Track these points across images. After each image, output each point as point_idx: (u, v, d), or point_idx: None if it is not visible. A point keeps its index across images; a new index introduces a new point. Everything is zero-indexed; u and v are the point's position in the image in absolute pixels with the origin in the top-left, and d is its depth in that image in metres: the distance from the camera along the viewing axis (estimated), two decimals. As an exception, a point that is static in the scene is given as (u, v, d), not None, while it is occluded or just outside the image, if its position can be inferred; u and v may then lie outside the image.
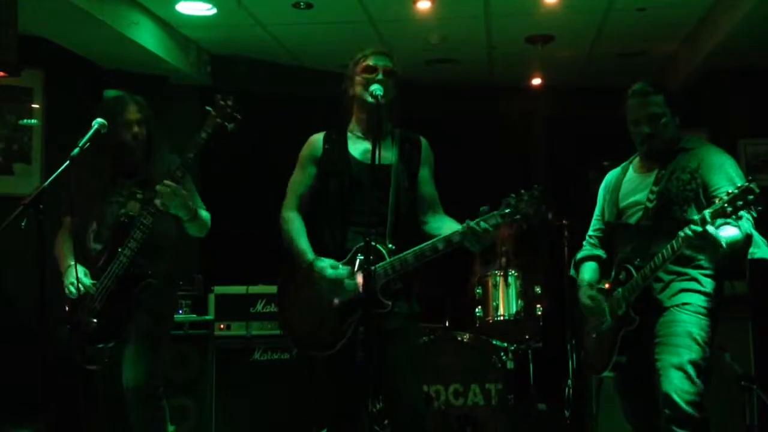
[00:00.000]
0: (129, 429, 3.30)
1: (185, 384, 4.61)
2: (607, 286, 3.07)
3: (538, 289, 4.73)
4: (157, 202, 3.10)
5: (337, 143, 2.95)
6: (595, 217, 3.22)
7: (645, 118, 2.90)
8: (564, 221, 4.78)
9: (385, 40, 5.18)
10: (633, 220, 2.99)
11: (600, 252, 3.15)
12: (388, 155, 2.89)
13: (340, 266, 2.77)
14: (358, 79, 2.92)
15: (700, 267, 2.85)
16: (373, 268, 2.68)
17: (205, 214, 3.36)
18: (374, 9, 4.68)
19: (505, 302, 4.66)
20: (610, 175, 3.18)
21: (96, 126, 3.05)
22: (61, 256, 3.30)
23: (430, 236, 2.85)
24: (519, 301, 4.64)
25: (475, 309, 4.75)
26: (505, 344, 4.62)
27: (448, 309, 4.96)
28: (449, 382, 4.35)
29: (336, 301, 2.77)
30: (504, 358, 4.57)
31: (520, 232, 3.02)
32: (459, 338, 4.50)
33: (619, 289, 2.94)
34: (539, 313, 4.70)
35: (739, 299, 3.99)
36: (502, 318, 4.63)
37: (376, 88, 2.82)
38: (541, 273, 4.89)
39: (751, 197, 2.46)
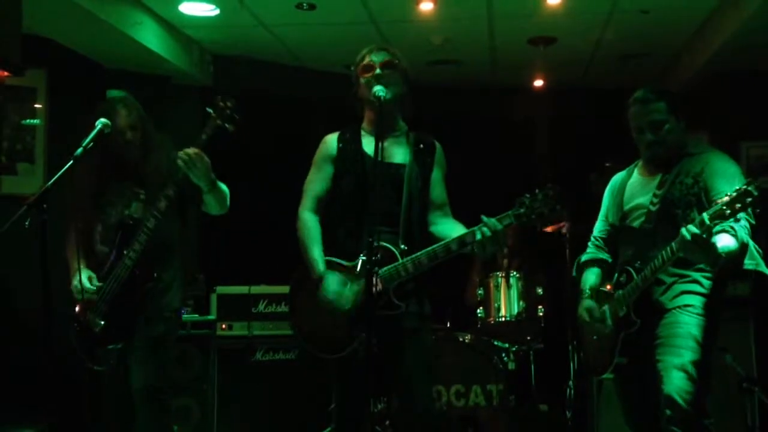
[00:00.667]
0: (134, 429, 3.32)
1: (187, 384, 4.62)
2: (608, 287, 3.07)
3: (539, 290, 4.76)
4: (180, 163, 3.07)
5: (351, 142, 2.96)
6: (600, 218, 3.22)
7: (647, 125, 2.90)
8: (565, 222, 4.79)
9: (388, 41, 5.18)
10: (636, 223, 2.99)
11: (605, 255, 3.15)
12: (402, 155, 2.91)
13: (348, 286, 2.79)
14: (361, 80, 2.93)
15: (702, 269, 2.85)
16: (381, 269, 2.68)
17: (223, 186, 3.32)
18: (377, 10, 4.70)
19: (507, 303, 4.68)
20: (616, 178, 3.18)
21: (99, 126, 3.06)
22: (70, 258, 3.32)
23: (437, 238, 2.86)
24: (521, 302, 4.67)
25: (476, 312, 4.77)
26: (507, 345, 4.65)
27: (449, 310, 4.97)
28: (451, 383, 4.37)
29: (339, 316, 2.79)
30: (505, 359, 4.60)
31: (531, 232, 3.03)
32: (461, 339, 4.52)
33: (620, 291, 2.95)
34: (541, 314, 4.73)
35: (740, 301, 4.00)
36: (503, 319, 4.66)
37: (377, 90, 2.82)
38: (542, 274, 4.91)
39: (750, 200, 2.46)
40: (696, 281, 2.85)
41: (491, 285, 4.72)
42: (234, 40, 5.28)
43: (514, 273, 4.71)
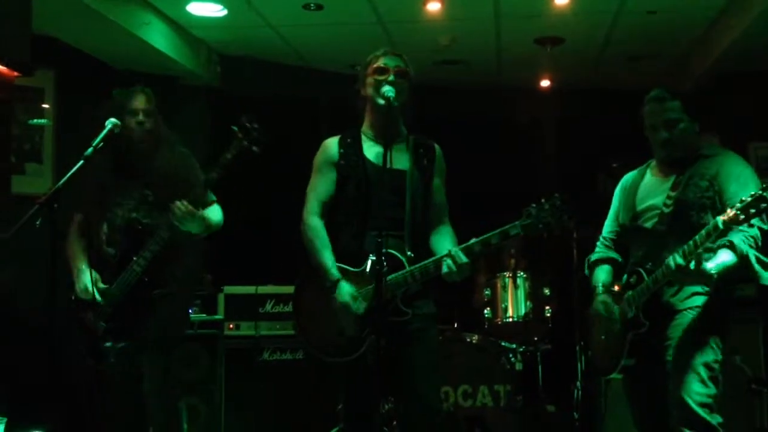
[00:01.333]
0: (143, 430, 3.33)
1: (195, 384, 4.62)
2: (616, 288, 3.07)
3: (546, 291, 4.75)
4: (172, 218, 3.12)
5: (352, 147, 2.95)
6: (609, 218, 3.22)
7: (662, 123, 2.89)
8: (572, 223, 4.79)
9: (395, 42, 5.19)
10: (648, 224, 2.98)
11: (615, 255, 3.15)
12: (403, 160, 2.90)
13: (359, 299, 2.81)
14: (369, 80, 2.91)
15: None
16: (388, 276, 2.69)
17: (215, 214, 3.36)
18: (384, 10, 4.70)
19: (514, 304, 4.69)
20: (627, 178, 3.17)
21: (110, 126, 3.06)
22: (72, 257, 3.31)
23: (431, 246, 2.90)
24: (528, 303, 4.67)
25: (483, 312, 4.77)
26: (514, 346, 4.64)
27: (456, 311, 4.98)
28: (458, 384, 4.38)
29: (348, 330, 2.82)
30: (513, 359, 4.59)
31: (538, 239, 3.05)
32: (468, 340, 4.53)
33: (630, 293, 2.94)
34: (548, 314, 4.72)
35: (749, 302, 3.99)
36: (511, 320, 4.66)
37: (387, 90, 2.82)
38: (549, 274, 4.91)
39: (764, 205, 2.46)
40: (715, 288, 2.83)
41: (498, 285, 4.73)
42: (241, 41, 5.30)
43: (521, 273, 4.71)
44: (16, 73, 3.31)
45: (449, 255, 2.74)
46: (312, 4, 4.56)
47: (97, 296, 3.15)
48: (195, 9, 4.65)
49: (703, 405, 2.72)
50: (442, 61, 5.63)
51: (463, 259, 2.72)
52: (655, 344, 2.88)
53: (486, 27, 5.00)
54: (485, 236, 2.76)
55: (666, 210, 2.90)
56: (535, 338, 4.70)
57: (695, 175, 2.88)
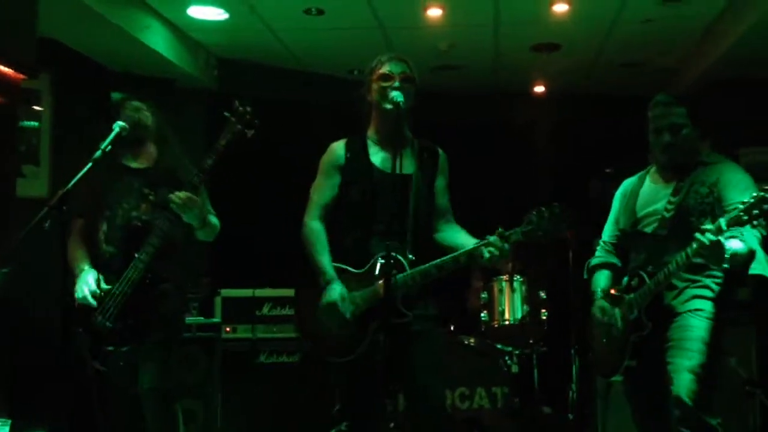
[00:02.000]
0: (142, 430, 3.34)
1: (192, 386, 4.63)
2: (612, 291, 3.13)
3: (542, 294, 4.81)
4: (173, 206, 3.13)
5: (358, 152, 2.98)
6: (609, 223, 3.28)
7: (667, 127, 2.96)
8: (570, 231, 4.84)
9: (395, 47, 5.23)
10: (649, 228, 3.04)
11: (614, 260, 3.21)
12: (408, 165, 2.92)
13: (347, 301, 2.84)
14: (375, 86, 2.94)
15: (712, 275, 2.92)
16: (396, 282, 2.74)
17: (214, 220, 3.39)
18: (385, 16, 4.74)
19: (511, 307, 4.74)
20: (627, 183, 3.24)
21: (117, 129, 3.09)
22: (74, 260, 3.29)
23: (442, 244, 2.94)
24: (524, 306, 4.73)
25: (480, 315, 4.82)
26: (510, 348, 4.70)
27: (452, 315, 5.02)
28: (455, 386, 4.43)
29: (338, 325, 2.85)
30: (509, 362, 4.65)
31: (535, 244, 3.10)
32: (465, 342, 4.58)
33: (631, 295, 3.00)
34: (544, 317, 4.78)
35: (743, 305, 4.06)
36: (507, 323, 4.71)
37: (396, 95, 2.84)
38: (546, 278, 4.97)
39: (767, 206, 2.52)
40: (706, 286, 2.91)
41: (495, 289, 4.79)
42: (240, 44, 5.32)
43: (518, 277, 4.77)
44: (22, 76, 3.31)
45: (453, 256, 2.79)
46: (313, 9, 4.58)
47: (92, 301, 3.14)
48: (196, 12, 4.66)
49: (701, 405, 2.78)
50: (439, 66, 5.67)
51: (461, 261, 2.79)
52: (656, 346, 2.94)
53: (484, 33, 5.05)
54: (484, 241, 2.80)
55: (667, 215, 2.97)
56: (531, 341, 4.75)
57: (696, 182, 2.95)
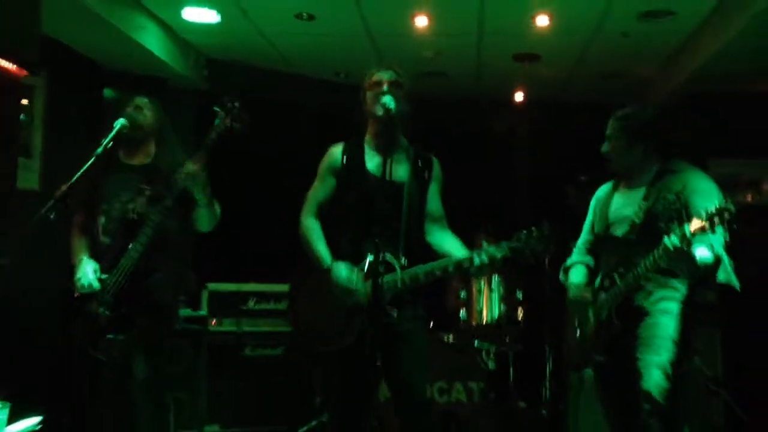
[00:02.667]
0: (134, 419, 3.43)
1: (179, 377, 4.72)
2: (585, 294, 3.30)
3: (519, 294, 4.97)
4: (182, 177, 3.23)
5: (355, 156, 3.10)
6: (585, 228, 3.46)
7: (606, 137, 3.25)
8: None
9: (381, 53, 5.39)
10: (620, 232, 3.22)
11: (588, 260, 3.39)
12: (402, 172, 3.03)
13: (355, 272, 2.94)
14: (368, 95, 3.07)
15: (681, 279, 3.09)
16: (382, 280, 2.86)
17: (217, 206, 3.47)
18: (373, 22, 4.87)
19: (489, 306, 4.89)
20: (601, 190, 3.42)
21: (118, 126, 3.20)
22: (74, 251, 3.40)
23: (433, 247, 3.07)
24: (501, 306, 4.87)
25: (459, 314, 4.97)
26: (487, 346, 4.85)
27: (432, 312, 5.15)
28: (434, 380, 4.53)
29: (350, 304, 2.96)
30: (486, 358, 4.80)
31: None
32: (445, 339, 4.73)
33: (604, 295, 3.18)
34: (520, 317, 4.94)
35: (709, 308, 4.25)
36: (485, 321, 4.85)
37: (387, 101, 2.96)
38: (522, 279, 5.12)
39: (728, 215, 2.70)
40: (674, 288, 3.09)
41: (474, 288, 4.93)
42: (230, 46, 5.43)
43: (496, 277, 4.91)
44: (24, 72, 3.40)
45: (444, 264, 2.95)
46: (304, 14, 4.72)
47: (95, 284, 3.23)
48: (190, 14, 4.77)
49: (669, 399, 2.95)
50: (423, 73, 5.81)
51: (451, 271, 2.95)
52: (626, 343, 3.10)
53: (468, 42, 5.20)
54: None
55: (637, 221, 3.14)
56: (507, 339, 4.90)
57: (663, 189, 3.12)
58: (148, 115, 3.41)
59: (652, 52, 5.36)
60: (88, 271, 3.25)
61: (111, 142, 3.14)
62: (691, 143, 5.53)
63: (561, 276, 3.45)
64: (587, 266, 3.38)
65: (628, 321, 3.11)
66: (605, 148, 3.25)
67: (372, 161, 3.09)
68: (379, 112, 3.00)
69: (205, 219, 3.42)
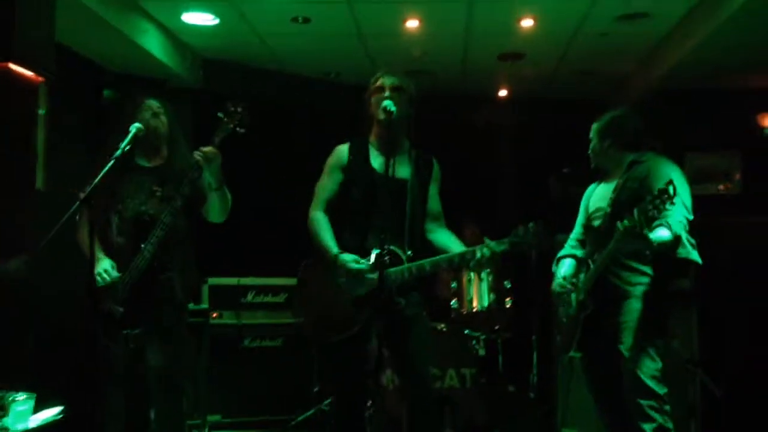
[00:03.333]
0: (147, 408, 3.59)
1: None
2: (569, 285, 3.54)
3: (507, 284, 5.18)
4: (198, 156, 3.37)
5: (360, 154, 3.30)
6: (577, 223, 3.70)
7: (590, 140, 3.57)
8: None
9: (370, 53, 5.58)
10: (596, 223, 3.50)
11: (578, 252, 3.63)
12: (405, 171, 3.24)
13: (362, 261, 3.13)
14: (372, 99, 3.26)
15: (652, 263, 3.32)
16: (390, 270, 3.07)
17: (228, 192, 3.60)
18: (366, 24, 5.04)
19: (478, 296, 5.07)
20: (590, 188, 3.67)
21: (134, 130, 3.34)
22: (84, 245, 3.48)
23: (434, 245, 3.28)
24: (491, 295, 5.03)
25: (450, 303, 5.18)
26: (478, 333, 5.03)
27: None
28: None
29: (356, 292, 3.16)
30: (477, 346, 5.00)
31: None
32: (437, 328, 4.92)
33: (583, 278, 3.43)
34: (508, 306, 5.14)
35: (685, 294, 4.49)
36: (475, 310, 5.02)
37: (388, 104, 3.14)
38: (510, 269, 5.33)
39: (666, 196, 2.92)
40: (646, 273, 3.32)
41: (464, 279, 5.09)
42: (226, 47, 5.58)
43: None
44: (41, 78, 3.54)
45: (449, 256, 3.16)
46: (300, 18, 4.88)
47: (115, 276, 3.38)
48: (189, 18, 4.92)
49: (652, 377, 3.21)
50: (410, 71, 6.00)
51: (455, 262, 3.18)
52: (608, 327, 3.34)
53: (455, 43, 5.41)
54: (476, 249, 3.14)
55: (608, 210, 3.41)
56: (497, 327, 5.08)
57: (629, 179, 3.39)
58: (164, 120, 3.56)
59: (630, 51, 5.60)
60: (107, 267, 3.39)
61: (128, 146, 3.26)
62: (666, 137, 5.79)
63: (554, 267, 3.68)
64: (577, 258, 3.62)
65: (606, 304, 3.34)
66: (590, 148, 3.55)
67: (376, 160, 3.28)
68: (381, 115, 3.18)
69: (216, 207, 3.55)
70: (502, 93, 6.56)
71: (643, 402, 3.20)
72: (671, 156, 3.56)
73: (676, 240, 3.14)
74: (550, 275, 3.69)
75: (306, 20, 4.94)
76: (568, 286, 3.51)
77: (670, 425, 3.20)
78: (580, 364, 3.71)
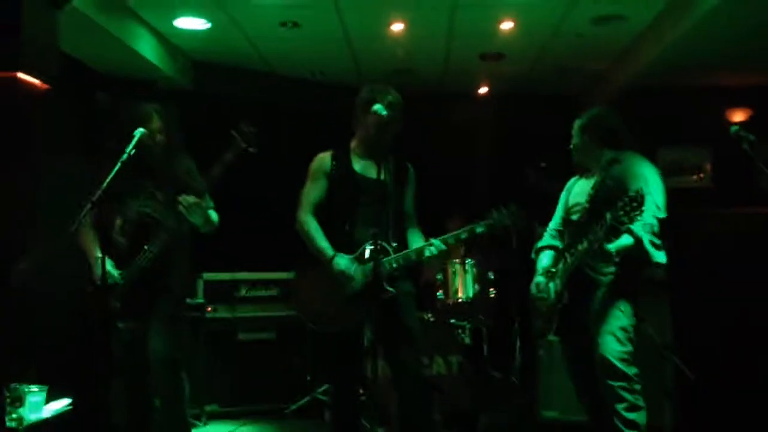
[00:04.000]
0: (150, 397, 3.78)
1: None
2: (546, 276, 3.75)
3: (491, 275, 5.39)
4: (181, 209, 3.56)
5: (342, 160, 3.54)
6: (556, 214, 3.89)
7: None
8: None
9: (356, 54, 5.77)
10: (574, 217, 3.71)
11: (557, 243, 3.83)
12: (386, 174, 3.46)
13: (354, 264, 3.38)
14: (361, 110, 3.46)
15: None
16: (381, 263, 3.31)
17: (214, 216, 3.80)
18: (353, 28, 5.22)
19: (463, 287, 5.24)
20: (571, 181, 3.87)
21: (138, 135, 3.50)
22: (89, 246, 3.69)
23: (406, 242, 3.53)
24: (475, 286, 5.21)
25: (436, 294, 5.37)
26: (463, 323, 5.21)
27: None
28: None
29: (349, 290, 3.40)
30: (462, 334, 5.20)
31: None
32: (425, 317, 5.11)
33: (560, 269, 3.64)
34: (492, 296, 5.35)
35: (660, 284, 4.68)
36: (460, 300, 5.20)
37: (378, 109, 3.38)
38: (493, 261, 5.55)
39: (635, 204, 3.13)
40: (620, 265, 3.50)
41: (449, 271, 5.24)
42: (216, 50, 5.73)
43: (469, 260, 5.26)
44: (46, 86, 3.68)
45: (431, 243, 3.39)
46: (289, 23, 5.05)
47: (116, 275, 3.55)
48: (182, 23, 5.07)
49: (621, 360, 3.40)
50: (393, 69, 6.16)
51: (442, 247, 3.40)
52: (582, 314, 3.54)
53: (438, 43, 5.60)
54: (457, 232, 3.43)
55: (586, 206, 3.62)
56: (481, 316, 5.26)
57: (607, 178, 3.58)
58: (162, 126, 3.71)
59: (605, 51, 5.82)
60: (108, 267, 3.50)
61: (134, 150, 3.40)
62: (640, 133, 6.01)
63: (533, 255, 3.90)
64: (555, 249, 3.84)
65: (582, 294, 3.55)
66: (571, 144, 3.74)
67: (358, 164, 3.53)
68: (373, 124, 3.41)
69: (204, 229, 3.75)
70: (482, 90, 6.75)
71: (614, 383, 3.39)
72: (645, 150, 3.73)
73: (638, 242, 3.32)
74: (531, 263, 3.88)
75: (295, 24, 5.10)
76: (543, 285, 3.70)
77: (641, 403, 3.40)
78: (559, 348, 3.92)
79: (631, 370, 3.43)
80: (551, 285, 3.68)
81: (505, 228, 3.38)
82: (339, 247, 3.45)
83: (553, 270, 3.73)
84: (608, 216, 3.19)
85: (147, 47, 5.17)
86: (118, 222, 3.71)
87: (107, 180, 3.26)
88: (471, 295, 5.21)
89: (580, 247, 3.44)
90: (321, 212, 3.54)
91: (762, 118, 5.99)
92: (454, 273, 5.29)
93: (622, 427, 3.40)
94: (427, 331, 4.98)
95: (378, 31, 5.31)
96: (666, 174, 3.70)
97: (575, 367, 3.75)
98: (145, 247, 3.61)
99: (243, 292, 5.50)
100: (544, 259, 3.84)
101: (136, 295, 3.63)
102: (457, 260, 5.28)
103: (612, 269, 3.51)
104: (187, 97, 5.95)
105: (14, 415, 3.50)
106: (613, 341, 3.42)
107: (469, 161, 6.95)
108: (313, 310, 3.53)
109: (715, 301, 5.09)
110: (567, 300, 3.58)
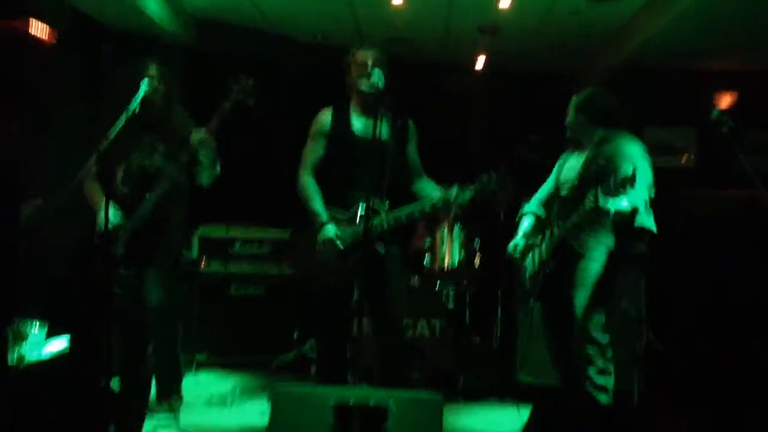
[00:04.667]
0: (144, 343, 3.95)
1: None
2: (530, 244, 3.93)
3: (477, 243, 5.54)
4: (195, 139, 3.65)
5: (342, 120, 3.64)
6: (546, 183, 4.05)
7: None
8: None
9: (357, 19, 5.83)
10: (564, 193, 3.87)
11: (541, 212, 4.01)
12: (384, 132, 3.56)
13: (344, 230, 3.51)
14: (354, 71, 3.57)
15: (606, 228, 3.70)
16: (372, 223, 3.44)
17: (218, 166, 3.91)
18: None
19: (450, 253, 5.36)
20: (564, 155, 4.01)
21: (144, 88, 3.61)
22: (94, 195, 3.84)
23: (418, 194, 3.65)
24: (461, 252, 5.32)
25: (423, 259, 5.52)
26: (448, 288, 5.40)
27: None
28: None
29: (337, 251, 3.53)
30: (446, 299, 5.38)
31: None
32: (411, 281, 5.28)
33: (546, 240, 3.82)
34: (477, 263, 5.50)
35: (640, 258, 4.84)
36: (446, 266, 5.30)
37: (375, 80, 3.49)
38: (479, 229, 5.67)
39: (628, 185, 3.31)
40: (603, 237, 3.70)
41: (437, 237, 5.37)
42: (218, 7, 5.80)
43: (457, 227, 5.36)
44: (54, 40, 3.74)
45: (423, 203, 3.54)
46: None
47: (121, 220, 3.69)
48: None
49: (596, 327, 3.63)
50: (393, 38, 6.18)
51: (427, 209, 3.53)
52: (563, 283, 3.73)
53: (439, 13, 5.66)
54: (446, 193, 3.51)
55: (576, 182, 3.78)
56: (465, 282, 5.41)
57: (598, 155, 3.73)
58: (164, 83, 3.80)
59: (599, 29, 5.90)
60: (111, 215, 3.60)
61: (138, 105, 3.51)
62: (629, 111, 6.14)
63: (517, 218, 4.05)
64: (537, 217, 3.99)
65: (565, 263, 3.73)
66: (566, 120, 3.87)
67: (358, 123, 3.62)
68: (368, 88, 3.52)
69: (206, 176, 3.85)
70: (479, 64, 6.84)
71: (589, 349, 3.63)
72: (633, 128, 3.87)
73: (634, 211, 3.47)
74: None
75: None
76: (518, 256, 3.88)
77: (610, 368, 3.64)
78: (539, 316, 4.11)
79: (604, 339, 3.65)
80: (536, 252, 3.84)
81: (493, 193, 3.46)
82: (335, 205, 3.58)
83: (532, 239, 3.91)
84: (599, 188, 3.35)
85: (151, 3, 5.22)
86: (120, 173, 3.83)
87: (112, 131, 3.36)
88: (456, 261, 5.30)
89: (568, 222, 3.60)
90: (320, 171, 3.66)
91: (749, 103, 6.12)
92: (442, 240, 5.39)
93: (592, 390, 3.61)
94: (412, 294, 5.12)
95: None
96: (651, 153, 3.81)
97: (553, 332, 3.93)
98: (147, 195, 3.73)
99: (237, 248, 5.63)
100: (525, 223, 4.01)
101: (137, 243, 3.77)
102: (445, 226, 5.36)
103: (597, 243, 3.66)
104: (189, 54, 6.03)
105: (15, 354, 3.65)
106: (594, 312, 3.62)
107: (462, 132, 7.06)
108: (306, 267, 3.68)
109: (691, 278, 5.26)
110: (551, 268, 3.74)
